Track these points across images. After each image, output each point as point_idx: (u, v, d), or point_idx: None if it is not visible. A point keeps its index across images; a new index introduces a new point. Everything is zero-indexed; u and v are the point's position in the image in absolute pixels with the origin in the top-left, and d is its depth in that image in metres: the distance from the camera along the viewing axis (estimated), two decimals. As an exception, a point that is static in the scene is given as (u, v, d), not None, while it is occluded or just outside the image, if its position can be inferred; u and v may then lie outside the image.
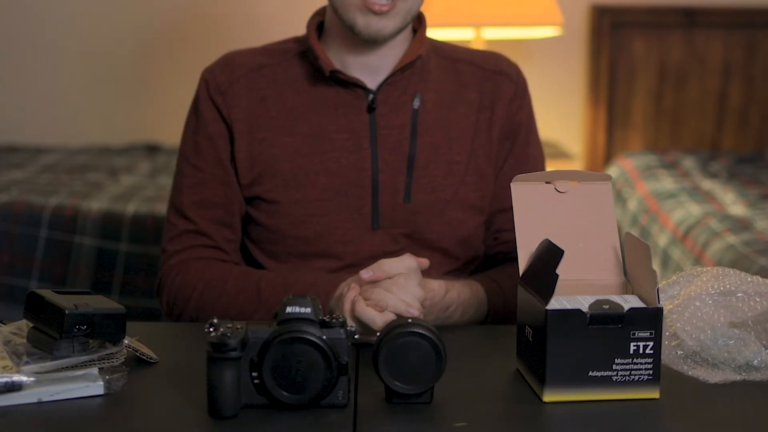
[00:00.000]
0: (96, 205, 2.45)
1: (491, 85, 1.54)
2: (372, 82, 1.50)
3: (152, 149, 3.31)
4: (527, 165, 1.55)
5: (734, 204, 2.90)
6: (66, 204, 2.44)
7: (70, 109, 3.49)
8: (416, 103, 1.50)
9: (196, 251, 1.52)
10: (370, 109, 1.49)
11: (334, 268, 1.48)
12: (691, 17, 3.42)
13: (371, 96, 1.49)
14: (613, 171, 3.40)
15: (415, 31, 1.55)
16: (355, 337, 1.10)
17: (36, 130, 3.46)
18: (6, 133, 3.46)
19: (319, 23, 1.55)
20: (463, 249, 1.55)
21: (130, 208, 2.45)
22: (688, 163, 3.32)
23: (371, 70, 1.50)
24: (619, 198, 3.27)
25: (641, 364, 1.12)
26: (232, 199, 1.52)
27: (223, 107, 1.51)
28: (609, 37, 3.47)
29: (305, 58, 1.53)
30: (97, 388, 1.12)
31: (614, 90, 3.52)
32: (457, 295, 1.42)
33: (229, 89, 1.51)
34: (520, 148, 1.56)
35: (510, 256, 1.52)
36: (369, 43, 1.47)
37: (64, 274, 2.36)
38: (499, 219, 1.57)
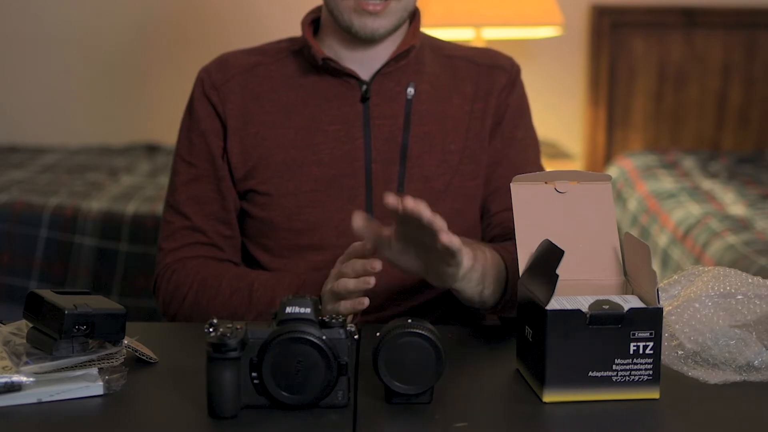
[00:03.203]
0: (96, 205, 2.46)
1: (487, 79, 1.55)
2: (365, 73, 1.51)
3: (152, 149, 3.31)
4: (513, 147, 1.54)
5: (734, 204, 2.89)
6: (66, 204, 2.44)
7: (70, 109, 3.50)
8: (410, 93, 1.50)
9: (191, 249, 1.52)
10: (364, 99, 1.50)
11: (328, 260, 1.48)
12: (691, 17, 3.41)
13: (364, 87, 1.49)
14: (613, 171, 3.39)
15: (410, 23, 1.55)
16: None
17: (36, 130, 3.47)
18: (6, 133, 3.47)
19: (314, 19, 1.56)
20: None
21: (130, 208, 2.46)
22: (688, 163, 3.31)
23: (365, 62, 1.51)
24: (619, 198, 3.26)
25: (641, 364, 1.12)
26: (226, 195, 1.53)
27: (217, 103, 1.52)
28: (609, 37, 3.46)
29: (299, 55, 1.54)
30: (96, 388, 1.12)
31: (614, 90, 3.51)
32: (477, 245, 1.36)
33: (224, 86, 1.53)
34: (506, 130, 1.55)
35: (509, 237, 1.49)
36: (366, 41, 1.48)
37: (64, 274, 2.36)
38: (490, 202, 1.56)
